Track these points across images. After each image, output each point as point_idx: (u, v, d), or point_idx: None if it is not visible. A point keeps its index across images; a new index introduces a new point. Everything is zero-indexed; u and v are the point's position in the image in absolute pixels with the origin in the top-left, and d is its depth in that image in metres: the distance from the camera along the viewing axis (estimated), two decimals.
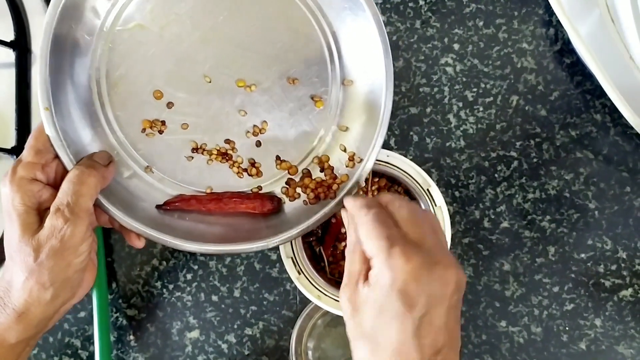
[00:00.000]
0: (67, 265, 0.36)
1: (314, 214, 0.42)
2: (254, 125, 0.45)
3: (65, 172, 0.39)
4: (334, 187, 0.44)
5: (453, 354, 0.33)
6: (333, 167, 0.45)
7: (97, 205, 0.39)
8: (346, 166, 0.44)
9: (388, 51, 0.41)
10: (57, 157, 0.39)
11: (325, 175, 0.45)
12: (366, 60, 0.43)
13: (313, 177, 0.45)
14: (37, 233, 0.35)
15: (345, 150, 0.45)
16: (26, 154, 0.38)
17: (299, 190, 0.45)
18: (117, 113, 0.43)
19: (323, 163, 0.45)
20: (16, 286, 0.35)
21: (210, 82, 0.44)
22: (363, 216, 0.34)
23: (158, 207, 0.43)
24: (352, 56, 0.44)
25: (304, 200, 0.45)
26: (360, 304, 0.33)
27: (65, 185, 0.37)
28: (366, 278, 0.33)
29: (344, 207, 0.38)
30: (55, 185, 0.38)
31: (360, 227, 0.34)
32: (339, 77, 0.45)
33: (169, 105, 0.43)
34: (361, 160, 0.43)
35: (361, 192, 0.47)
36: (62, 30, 0.39)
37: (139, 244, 0.41)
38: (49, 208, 0.36)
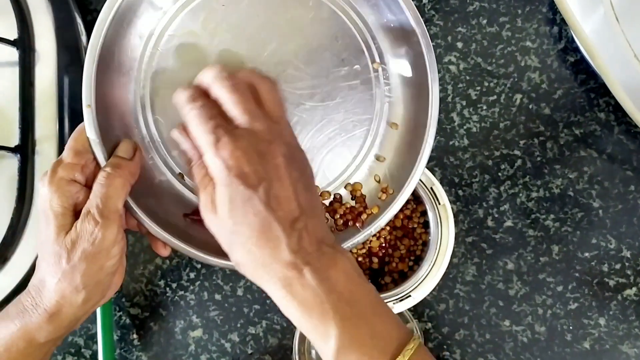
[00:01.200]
0: (99, 269, 0.36)
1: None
2: None
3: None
4: (364, 216, 0.43)
5: (315, 221, 0.33)
6: (365, 196, 0.44)
7: (127, 208, 0.39)
8: (378, 197, 0.43)
9: (436, 97, 0.41)
10: (95, 158, 0.38)
11: (356, 203, 0.44)
12: (415, 107, 0.43)
13: (343, 203, 0.44)
14: (69, 234, 0.35)
15: (379, 181, 0.44)
16: (66, 154, 0.37)
17: (327, 215, 0.44)
18: (156, 117, 0.42)
19: (355, 191, 0.44)
20: (49, 287, 0.35)
21: None
22: (188, 113, 0.34)
23: (185, 215, 0.43)
24: (399, 86, 0.44)
25: (331, 227, 0.44)
26: (215, 208, 0.33)
27: (95, 188, 0.36)
28: (211, 180, 0.33)
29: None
30: (92, 187, 0.38)
31: (189, 127, 0.34)
32: (386, 115, 0.44)
33: None
34: (393, 192, 0.42)
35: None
36: (114, 28, 0.38)
37: (165, 252, 0.41)
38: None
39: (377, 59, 0.43)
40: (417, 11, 0.40)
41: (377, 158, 0.44)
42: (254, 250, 0.32)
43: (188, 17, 0.41)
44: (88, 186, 0.37)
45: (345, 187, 0.45)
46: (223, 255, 0.40)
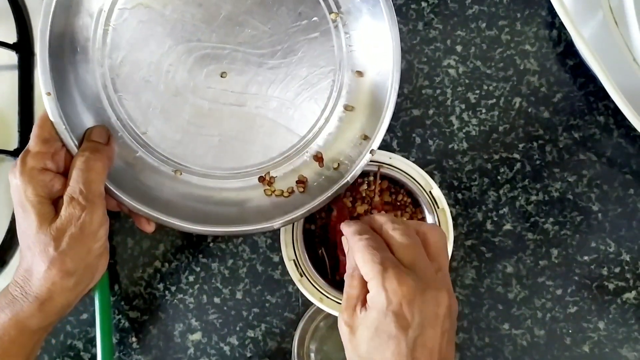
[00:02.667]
0: (87, 252, 0.37)
1: (320, 194, 0.42)
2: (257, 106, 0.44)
3: (72, 158, 0.39)
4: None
5: None
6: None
7: (106, 190, 0.39)
8: (359, 145, 0.44)
9: (398, 42, 0.42)
10: (64, 144, 0.39)
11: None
12: (376, 51, 0.43)
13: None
14: (55, 222, 0.36)
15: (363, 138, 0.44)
16: (33, 143, 0.37)
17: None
18: (119, 94, 0.42)
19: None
20: (37, 275, 0.36)
21: (211, 59, 0.43)
22: (357, 242, 0.35)
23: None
24: (363, 48, 0.44)
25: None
26: (357, 327, 0.33)
27: (74, 173, 0.37)
28: (364, 303, 0.34)
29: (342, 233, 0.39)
30: (65, 173, 0.38)
31: (355, 253, 0.35)
32: (348, 65, 0.44)
33: (171, 84, 0.43)
34: (367, 137, 0.43)
35: (365, 194, 0.47)
36: (62, 11, 0.38)
37: (149, 228, 0.42)
38: (61, 197, 0.37)
39: (334, 9, 0.43)
40: None
41: (346, 108, 0.45)
42: None
43: None
44: (61, 173, 0.38)
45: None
46: (208, 223, 0.41)
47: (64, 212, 0.36)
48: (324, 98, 0.45)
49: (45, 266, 0.35)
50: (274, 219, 0.42)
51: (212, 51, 0.43)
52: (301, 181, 0.45)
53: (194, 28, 0.42)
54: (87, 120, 0.41)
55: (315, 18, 0.43)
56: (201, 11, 0.42)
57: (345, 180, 0.42)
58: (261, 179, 0.45)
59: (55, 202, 0.37)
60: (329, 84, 0.44)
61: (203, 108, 0.43)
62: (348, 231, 0.37)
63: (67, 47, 0.40)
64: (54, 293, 0.36)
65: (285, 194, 0.44)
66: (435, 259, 0.35)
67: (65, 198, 0.36)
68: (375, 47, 0.43)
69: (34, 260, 0.36)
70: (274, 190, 0.45)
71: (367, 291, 0.34)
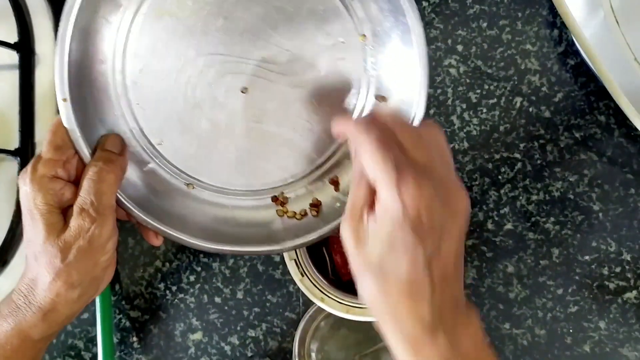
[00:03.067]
0: (94, 265, 0.36)
1: (333, 219, 0.41)
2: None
3: (84, 166, 0.38)
4: None
5: (459, 284, 0.31)
6: None
7: (116, 201, 0.38)
8: None
9: (426, 70, 0.39)
10: (76, 152, 0.38)
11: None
12: (402, 77, 0.41)
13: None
14: (63, 234, 0.35)
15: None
16: (45, 150, 0.36)
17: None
18: (136, 104, 0.41)
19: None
20: (42, 286, 0.35)
21: (232, 73, 0.42)
22: (365, 138, 0.30)
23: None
24: (389, 73, 0.42)
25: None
26: (365, 236, 0.30)
27: (86, 184, 0.36)
28: (371, 208, 0.31)
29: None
30: (76, 182, 0.37)
31: (363, 152, 0.30)
32: (372, 90, 0.43)
33: (189, 97, 0.42)
34: None
35: None
36: (83, 15, 0.37)
37: (157, 242, 0.41)
38: (71, 206, 0.36)
39: (363, 32, 0.42)
40: None
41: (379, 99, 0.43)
42: (393, 298, 0.30)
43: None
44: (72, 182, 0.37)
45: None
46: (218, 241, 0.40)
47: (73, 223, 0.35)
48: None
49: (50, 277, 0.35)
50: (284, 242, 0.41)
51: (234, 65, 0.42)
52: (315, 204, 0.43)
53: (217, 40, 0.41)
54: (101, 129, 0.40)
55: (342, 39, 0.42)
56: (226, 24, 0.41)
57: None
58: (274, 199, 0.43)
59: (65, 211, 0.36)
60: (351, 107, 0.43)
61: (221, 123, 0.42)
62: (353, 127, 0.32)
63: (85, 52, 0.39)
64: (58, 304, 0.36)
65: (298, 216, 0.43)
66: (444, 161, 0.32)
67: (75, 209, 0.35)
68: (402, 74, 0.41)
69: (39, 270, 0.35)
70: (287, 212, 0.43)
71: (375, 198, 0.30)
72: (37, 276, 0.35)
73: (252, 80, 0.42)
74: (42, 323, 0.36)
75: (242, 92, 0.42)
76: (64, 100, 0.37)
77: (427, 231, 0.29)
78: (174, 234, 0.40)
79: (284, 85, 0.42)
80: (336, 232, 0.40)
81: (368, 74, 0.42)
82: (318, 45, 0.42)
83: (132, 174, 0.41)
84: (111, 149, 0.38)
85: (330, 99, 0.42)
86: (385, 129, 0.31)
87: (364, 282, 0.31)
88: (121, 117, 0.41)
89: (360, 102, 0.43)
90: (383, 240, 0.30)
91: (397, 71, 0.42)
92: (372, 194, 0.31)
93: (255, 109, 0.42)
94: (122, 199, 0.39)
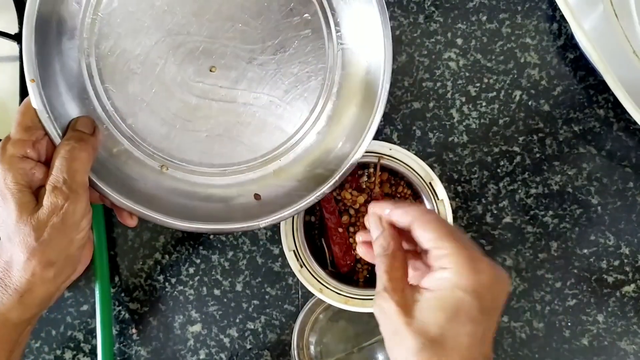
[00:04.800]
0: (69, 242, 0.36)
1: (308, 194, 0.42)
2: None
3: (54, 147, 0.38)
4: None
5: None
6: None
7: (89, 182, 0.38)
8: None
9: (388, 28, 0.41)
10: (46, 133, 0.38)
11: None
12: (365, 34, 0.43)
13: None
14: (36, 212, 0.35)
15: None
16: (14, 131, 0.37)
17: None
18: (106, 85, 0.41)
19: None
20: (17, 266, 0.35)
21: (201, 53, 0.42)
22: (426, 214, 0.33)
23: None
24: (351, 32, 0.44)
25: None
26: (415, 309, 0.31)
27: (58, 162, 0.36)
28: (410, 283, 0.33)
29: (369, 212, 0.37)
30: (46, 162, 0.37)
31: (425, 225, 0.32)
32: (339, 63, 0.44)
33: (159, 77, 0.42)
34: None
35: (365, 185, 0.47)
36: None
37: (132, 222, 0.41)
38: (42, 187, 0.36)
39: (327, 6, 0.43)
40: None
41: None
42: None
43: None
44: (42, 162, 0.37)
45: None
46: (192, 219, 0.41)
47: (46, 201, 0.35)
48: (314, 97, 0.44)
49: (25, 257, 0.35)
50: (259, 218, 0.41)
51: (202, 45, 0.42)
52: None
53: (184, 21, 0.42)
54: (72, 110, 0.40)
55: (306, 15, 0.43)
56: (192, 4, 0.41)
57: (334, 180, 0.42)
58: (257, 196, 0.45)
59: (36, 192, 0.36)
60: (320, 82, 0.44)
61: (191, 103, 0.43)
62: (410, 208, 0.34)
63: (53, 34, 0.39)
64: (34, 284, 0.35)
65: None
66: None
67: (48, 187, 0.35)
68: (367, 44, 0.43)
69: (13, 251, 0.35)
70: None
71: (407, 269, 0.33)
72: (11, 257, 0.35)
73: (220, 59, 0.43)
74: (19, 305, 0.36)
75: (211, 71, 0.43)
76: (32, 81, 0.37)
77: (487, 306, 0.31)
78: (148, 214, 0.40)
79: (251, 63, 0.43)
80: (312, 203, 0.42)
81: (333, 48, 0.43)
82: (283, 22, 0.43)
83: (104, 155, 0.41)
84: (82, 129, 0.38)
85: (298, 74, 0.44)
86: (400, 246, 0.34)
87: (419, 354, 0.31)
88: (91, 99, 0.41)
89: (329, 77, 0.44)
90: (447, 309, 0.30)
91: (361, 42, 0.43)
92: (407, 268, 0.33)
93: (225, 88, 0.43)
94: (95, 181, 0.39)
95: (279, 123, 0.44)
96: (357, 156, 0.42)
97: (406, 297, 0.32)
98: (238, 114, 0.44)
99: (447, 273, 0.31)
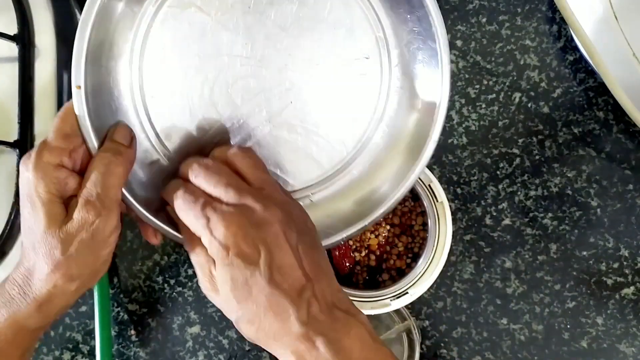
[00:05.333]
0: (95, 258, 0.35)
1: (334, 233, 0.40)
2: None
3: (89, 157, 0.37)
4: None
5: (323, 284, 0.33)
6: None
7: None
8: None
9: (447, 96, 0.40)
10: (84, 141, 0.36)
11: None
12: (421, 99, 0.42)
13: None
14: (65, 225, 0.34)
15: None
16: (52, 137, 0.35)
17: None
18: (150, 96, 0.40)
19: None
20: (39, 276, 0.34)
21: (249, 76, 0.41)
22: (174, 200, 0.34)
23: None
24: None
25: None
26: (217, 287, 0.33)
27: (94, 176, 0.35)
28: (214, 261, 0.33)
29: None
30: (80, 172, 0.36)
31: (177, 212, 0.34)
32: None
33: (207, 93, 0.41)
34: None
35: None
36: (108, 1, 0.36)
37: (155, 241, 0.40)
38: (73, 196, 0.35)
39: (389, 50, 0.41)
40: (439, 13, 0.38)
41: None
42: (263, 326, 0.32)
43: None
44: (76, 172, 0.36)
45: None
46: None
47: (77, 215, 0.34)
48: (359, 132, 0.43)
49: (49, 269, 0.34)
50: None
51: (254, 69, 0.41)
52: None
53: (240, 41, 0.40)
54: (110, 120, 0.39)
55: (366, 55, 0.41)
56: (251, 25, 0.40)
57: (364, 224, 0.40)
58: None
59: (66, 202, 0.35)
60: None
61: (233, 125, 0.41)
62: (168, 193, 0.36)
63: (106, 39, 0.38)
64: (54, 296, 0.35)
65: None
66: (252, 180, 0.35)
67: (81, 200, 0.34)
68: (421, 96, 0.42)
69: (37, 260, 0.34)
70: None
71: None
72: (33, 266, 0.35)
73: (270, 86, 0.41)
74: (37, 314, 0.35)
75: (257, 97, 0.41)
76: (78, 87, 0.36)
77: (252, 254, 0.31)
78: (175, 234, 0.38)
79: (302, 92, 0.41)
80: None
81: (387, 91, 0.42)
82: (341, 58, 0.41)
83: (136, 168, 0.40)
84: (120, 141, 0.37)
85: (346, 111, 0.42)
86: (193, 186, 0.35)
87: (238, 325, 0.33)
88: (132, 109, 0.40)
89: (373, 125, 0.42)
90: (227, 282, 0.32)
91: (416, 92, 0.42)
92: (203, 246, 0.34)
93: (270, 114, 0.42)
94: (125, 193, 0.37)
95: (321, 156, 0.42)
96: (393, 201, 0.40)
97: (214, 277, 0.34)
98: (280, 142, 0.42)
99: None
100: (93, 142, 0.37)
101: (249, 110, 0.42)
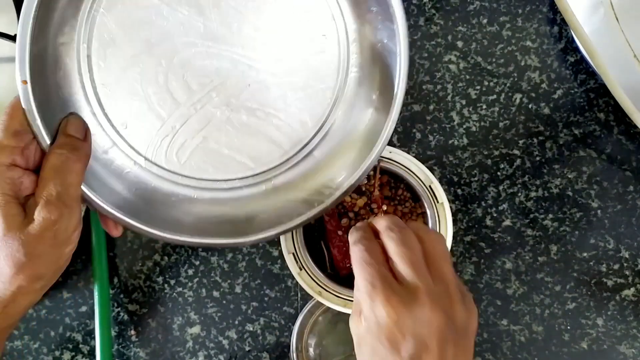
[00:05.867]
0: (59, 257, 0.35)
1: (298, 215, 0.40)
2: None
3: (43, 153, 0.35)
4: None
5: None
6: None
7: None
8: None
9: (404, 81, 0.39)
10: (35, 137, 0.35)
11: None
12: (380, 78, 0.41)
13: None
14: (26, 227, 0.33)
15: None
16: (2, 135, 0.34)
17: None
18: (101, 84, 0.39)
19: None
20: (2, 279, 0.33)
21: (205, 59, 0.40)
22: (353, 253, 0.33)
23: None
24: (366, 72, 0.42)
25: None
26: (361, 339, 0.32)
27: (51, 174, 0.34)
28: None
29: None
30: (35, 170, 0.35)
31: (352, 262, 0.33)
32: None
33: (156, 79, 0.40)
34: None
35: (365, 188, 0.47)
36: None
37: (116, 232, 0.39)
38: (30, 195, 0.34)
39: (346, 29, 0.41)
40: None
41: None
42: None
43: None
44: (30, 169, 0.35)
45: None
46: (180, 232, 0.39)
47: (37, 216, 0.32)
48: (318, 116, 0.43)
49: (12, 271, 0.33)
50: (247, 235, 0.40)
51: (209, 53, 0.40)
52: None
53: (194, 27, 0.39)
54: (61, 111, 0.37)
55: (323, 33, 0.41)
56: (206, 13, 0.39)
57: (320, 208, 0.40)
58: None
59: (24, 202, 0.34)
60: (327, 100, 0.42)
61: (190, 111, 0.41)
62: (350, 239, 0.35)
63: (50, 30, 0.36)
64: (19, 296, 0.34)
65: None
66: (434, 269, 0.33)
67: (41, 201, 0.33)
68: (380, 74, 0.41)
69: (0, 263, 0.33)
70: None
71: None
72: None
73: (227, 69, 0.41)
74: (1, 315, 0.34)
75: (214, 81, 0.41)
76: (24, 82, 0.34)
77: (399, 342, 0.30)
78: (135, 224, 0.38)
79: (260, 74, 0.41)
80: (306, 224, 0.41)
81: (346, 70, 0.42)
82: (298, 37, 0.41)
83: (92, 159, 0.38)
84: (75, 134, 0.36)
85: (305, 91, 0.42)
86: (373, 239, 0.34)
87: None
88: (83, 99, 0.39)
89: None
90: (369, 347, 0.32)
91: (375, 71, 0.41)
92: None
93: (228, 98, 0.41)
94: (84, 189, 0.36)
95: (282, 139, 0.42)
96: (346, 187, 0.40)
97: (361, 324, 0.33)
98: (240, 126, 0.42)
99: (363, 312, 0.32)
100: (44, 137, 0.35)
101: (206, 96, 0.41)
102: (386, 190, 0.47)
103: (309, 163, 0.43)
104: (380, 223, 0.35)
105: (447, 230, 0.45)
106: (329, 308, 0.46)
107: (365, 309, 0.32)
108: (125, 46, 0.39)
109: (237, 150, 0.42)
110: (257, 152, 0.42)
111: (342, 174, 0.41)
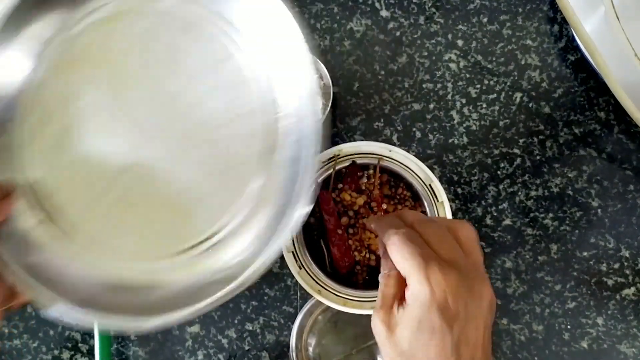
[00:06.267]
0: None
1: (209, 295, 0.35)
2: None
3: None
4: None
5: None
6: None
7: None
8: None
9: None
10: None
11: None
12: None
13: None
14: None
15: None
16: None
17: None
18: (32, 148, 0.35)
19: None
20: None
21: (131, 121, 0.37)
22: (393, 237, 0.33)
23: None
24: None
25: None
26: (395, 325, 0.32)
27: None
28: (401, 301, 0.32)
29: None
30: None
31: (392, 250, 0.33)
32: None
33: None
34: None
35: (365, 186, 0.47)
36: None
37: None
38: None
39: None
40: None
41: None
42: None
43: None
44: None
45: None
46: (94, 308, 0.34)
47: None
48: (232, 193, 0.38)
49: None
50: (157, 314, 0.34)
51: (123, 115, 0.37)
52: None
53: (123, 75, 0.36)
54: None
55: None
56: (115, 70, 0.36)
57: (231, 287, 0.35)
58: None
59: None
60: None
61: (106, 172, 0.37)
62: (377, 226, 0.35)
63: None
64: None
65: None
66: (470, 255, 0.34)
67: None
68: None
69: None
70: None
71: (405, 289, 0.32)
72: None
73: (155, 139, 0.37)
74: None
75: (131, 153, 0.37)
76: None
77: (454, 315, 0.30)
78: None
79: (177, 149, 0.37)
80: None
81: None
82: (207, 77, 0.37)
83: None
84: None
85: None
86: (409, 227, 0.34)
87: None
88: (9, 159, 0.35)
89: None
90: (412, 324, 0.31)
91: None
92: (401, 287, 0.33)
93: (144, 169, 0.37)
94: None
95: (199, 215, 0.38)
96: (259, 266, 0.35)
97: (393, 313, 0.33)
98: (153, 200, 0.37)
99: (410, 289, 0.32)
100: None
101: (119, 168, 0.37)
102: (386, 189, 0.47)
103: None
104: (409, 215, 0.36)
105: None
106: (328, 307, 0.46)
107: (415, 283, 0.31)
108: (51, 105, 0.36)
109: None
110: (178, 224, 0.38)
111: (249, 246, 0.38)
